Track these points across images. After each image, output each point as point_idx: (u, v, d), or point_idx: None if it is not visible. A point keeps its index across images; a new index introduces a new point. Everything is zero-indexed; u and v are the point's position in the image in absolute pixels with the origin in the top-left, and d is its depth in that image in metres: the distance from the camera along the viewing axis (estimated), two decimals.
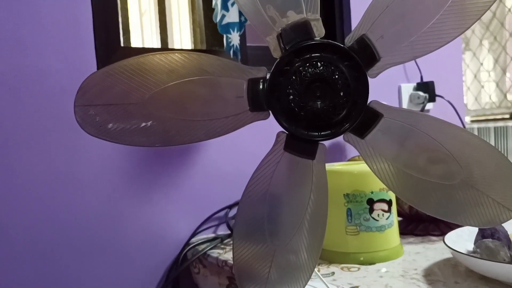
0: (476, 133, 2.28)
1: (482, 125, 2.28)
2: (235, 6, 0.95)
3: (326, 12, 1.23)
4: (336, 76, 0.45)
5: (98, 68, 0.87)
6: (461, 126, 1.29)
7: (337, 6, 1.21)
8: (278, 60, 0.45)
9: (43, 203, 0.81)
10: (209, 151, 0.99)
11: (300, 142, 0.48)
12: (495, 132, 2.23)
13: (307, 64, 0.44)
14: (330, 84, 0.44)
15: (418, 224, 0.90)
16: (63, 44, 0.84)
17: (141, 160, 0.92)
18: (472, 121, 2.35)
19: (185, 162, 0.96)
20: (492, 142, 2.22)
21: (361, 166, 0.78)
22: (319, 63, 0.45)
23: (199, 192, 0.97)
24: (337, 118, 0.44)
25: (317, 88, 0.43)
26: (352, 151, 1.15)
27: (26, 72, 0.80)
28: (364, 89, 0.44)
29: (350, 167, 0.77)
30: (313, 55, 0.45)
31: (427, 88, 1.31)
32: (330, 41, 0.45)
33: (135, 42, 1.14)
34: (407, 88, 1.34)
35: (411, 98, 1.33)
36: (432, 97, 1.31)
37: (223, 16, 0.95)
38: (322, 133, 0.45)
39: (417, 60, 1.33)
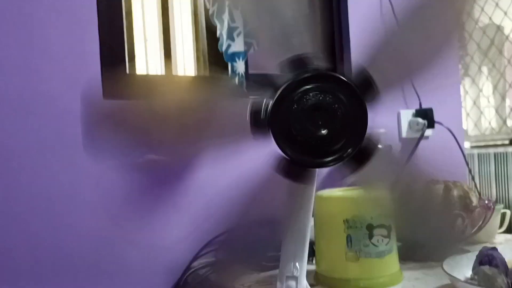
0: (476, 159, 2.28)
1: (483, 150, 2.30)
2: (240, 36, 0.98)
3: (327, 44, 1.26)
4: (336, 106, 0.47)
5: (104, 95, 0.89)
6: (460, 152, 1.31)
7: (337, 39, 1.24)
8: (281, 88, 0.47)
9: (46, 224, 0.82)
10: (209, 175, 1.00)
11: (299, 168, 0.50)
12: (495, 158, 2.25)
13: (309, 94, 0.46)
14: (330, 113, 0.46)
15: (418, 250, 0.90)
16: (70, 70, 0.86)
17: (142, 184, 0.93)
18: (472, 147, 2.37)
19: (186, 186, 0.97)
20: (493, 168, 2.23)
21: (360, 192, 0.79)
22: (320, 93, 0.47)
23: (199, 216, 0.98)
24: (337, 146, 0.46)
25: (318, 116, 0.45)
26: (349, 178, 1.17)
27: (34, 97, 0.83)
28: (363, 118, 0.46)
29: (350, 193, 0.79)
30: (314, 85, 0.47)
31: (426, 114, 1.33)
32: (331, 72, 0.48)
33: (140, 69, 1.17)
34: (406, 115, 1.36)
35: (410, 125, 1.35)
36: (431, 124, 1.33)
37: (228, 46, 0.98)
38: (322, 160, 0.47)
39: (416, 87, 1.36)
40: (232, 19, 0.97)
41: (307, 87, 0.46)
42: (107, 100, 0.90)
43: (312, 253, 0.84)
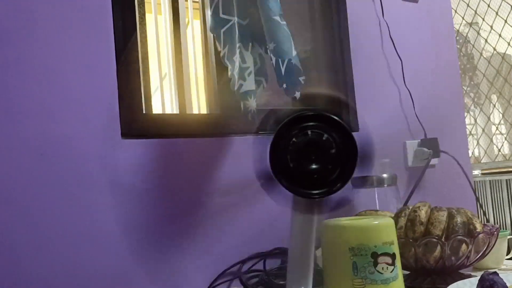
0: (488, 185, 2.30)
1: (495, 177, 2.31)
2: (251, 75, 1.04)
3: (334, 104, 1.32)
4: (329, 144, 0.52)
5: (122, 135, 0.96)
6: (466, 179, 1.34)
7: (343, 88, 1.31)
8: (278, 128, 0.52)
9: (64, 259, 0.87)
10: (222, 206, 1.05)
11: (303, 201, 0.54)
12: (507, 184, 2.26)
13: (305, 131, 0.52)
14: (322, 148, 0.51)
15: (426, 278, 0.93)
16: (88, 112, 0.93)
17: (156, 217, 0.98)
18: (484, 174, 2.38)
19: (199, 217, 1.02)
20: (505, 194, 2.24)
21: (365, 221, 0.83)
22: (310, 131, 0.52)
23: (213, 247, 1.03)
24: (331, 177, 0.51)
25: (312, 152, 0.50)
26: (359, 206, 1.20)
27: (53, 139, 0.89)
28: (354, 151, 0.51)
29: (355, 221, 0.82)
30: (308, 124, 0.52)
31: (431, 144, 1.38)
32: (322, 112, 0.53)
33: (156, 107, 1.24)
34: (412, 145, 1.40)
35: (416, 154, 1.39)
36: (436, 153, 1.37)
37: (240, 85, 1.04)
38: (318, 191, 0.51)
39: (420, 118, 1.41)
40: (243, 60, 1.03)
41: (304, 125, 0.52)
42: (125, 140, 0.97)
43: (321, 282, 0.88)
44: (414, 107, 1.42)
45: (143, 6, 1.17)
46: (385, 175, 1.19)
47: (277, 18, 0.97)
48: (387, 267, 0.78)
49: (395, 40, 1.40)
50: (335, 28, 1.35)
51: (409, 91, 1.41)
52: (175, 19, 1.26)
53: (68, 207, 0.89)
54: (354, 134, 1.28)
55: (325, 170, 0.50)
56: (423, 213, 0.94)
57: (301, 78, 0.96)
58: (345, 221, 0.86)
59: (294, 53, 0.97)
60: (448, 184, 1.43)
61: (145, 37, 1.17)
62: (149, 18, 1.46)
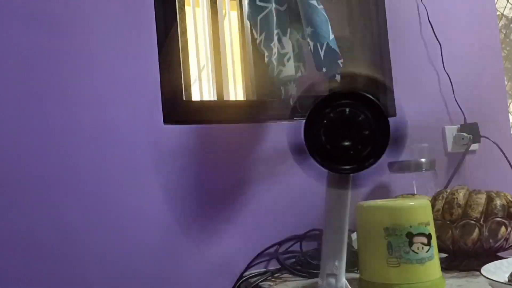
0: None
1: None
2: (291, 61, 1.06)
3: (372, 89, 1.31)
4: (361, 121, 0.54)
5: (164, 121, 1.00)
6: (508, 165, 1.31)
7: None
8: (312, 105, 0.54)
9: (114, 236, 0.92)
10: (259, 189, 1.08)
11: (337, 176, 0.56)
12: None
13: (337, 109, 0.54)
14: (356, 126, 0.53)
15: (463, 260, 0.93)
16: (134, 100, 0.98)
17: (198, 198, 1.02)
18: None
19: (238, 200, 1.06)
20: None
21: (400, 202, 0.84)
22: (347, 108, 0.54)
23: (251, 228, 1.06)
24: (364, 153, 0.52)
25: (345, 129, 0.52)
26: (397, 191, 1.20)
27: (103, 124, 0.94)
28: (386, 134, 0.53)
29: (390, 202, 0.84)
30: (342, 101, 0.54)
31: (471, 129, 1.35)
32: (359, 90, 0.55)
33: (195, 96, 1.27)
34: (451, 130, 1.38)
35: (455, 140, 1.37)
36: (476, 138, 1.34)
37: (280, 71, 1.06)
38: (350, 167, 0.53)
39: (460, 103, 1.39)
40: (282, 46, 1.05)
41: (336, 103, 0.53)
42: (167, 125, 1.01)
43: (356, 264, 0.90)
44: (453, 92, 1.39)
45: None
46: (423, 160, 1.18)
47: (314, 2, 0.98)
48: (422, 247, 0.79)
49: (433, 24, 1.38)
50: (372, 14, 1.34)
51: (448, 75, 1.39)
52: (213, 10, 1.30)
53: (117, 187, 0.94)
54: (391, 119, 1.29)
55: (357, 148, 0.52)
56: (461, 196, 0.93)
57: (339, 61, 0.97)
58: (379, 202, 0.87)
59: (331, 36, 0.98)
60: (489, 170, 1.40)
61: (185, 28, 1.21)
62: (188, 10, 1.50)
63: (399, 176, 1.19)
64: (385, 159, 0.53)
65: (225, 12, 1.49)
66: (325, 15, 0.97)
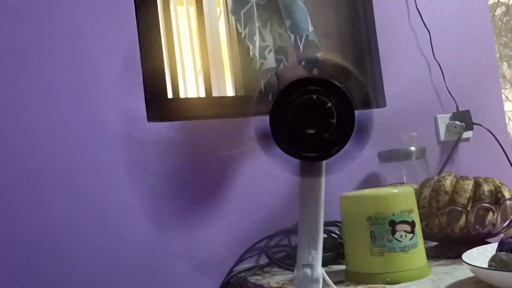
0: None
1: None
2: (271, 53, 1.06)
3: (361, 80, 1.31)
4: (328, 106, 0.53)
5: (148, 118, 1.00)
6: (503, 152, 1.30)
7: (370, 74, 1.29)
8: (281, 88, 0.54)
9: (100, 233, 0.92)
10: (247, 183, 1.08)
11: (305, 164, 0.56)
12: None
13: (304, 96, 0.53)
14: (323, 113, 0.52)
15: (452, 247, 0.92)
16: (118, 97, 0.98)
17: (185, 194, 1.02)
18: None
19: (226, 194, 1.05)
20: None
21: (382, 190, 0.83)
22: (314, 95, 0.53)
23: (240, 223, 1.06)
24: (329, 141, 0.52)
25: (310, 116, 0.52)
26: (387, 180, 1.20)
27: (89, 121, 0.94)
28: (351, 121, 0.52)
29: (372, 191, 0.83)
30: (310, 88, 0.54)
31: (463, 117, 1.34)
32: (324, 77, 0.54)
33: (182, 93, 1.27)
34: (443, 119, 1.37)
35: (448, 128, 1.36)
36: (469, 126, 1.33)
37: (261, 64, 1.06)
38: (315, 154, 0.53)
39: (452, 91, 1.37)
40: (262, 38, 1.05)
41: (304, 89, 0.53)
42: (151, 123, 1.01)
43: (342, 255, 0.89)
44: (444, 80, 1.38)
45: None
46: (413, 148, 1.17)
47: None
48: (405, 235, 0.78)
49: (422, 11, 1.37)
50: (359, 5, 1.33)
51: (438, 63, 1.38)
52: (198, 7, 1.29)
53: (102, 185, 0.93)
54: (381, 109, 1.28)
55: (322, 135, 0.51)
56: (448, 183, 0.92)
57: (318, 54, 0.97)
58: (362, 192, 0.87)
59: (311, 29, 0.98)
60: (483, 157, 1.39)
61: (170, 25, 1.20)
62: (172, 8, 1.49)
63: (389, 166, 1.19)
64: (351, 147, 0.52)
65: (220, 12, 1.48)
66: (304, 7, 0.97)
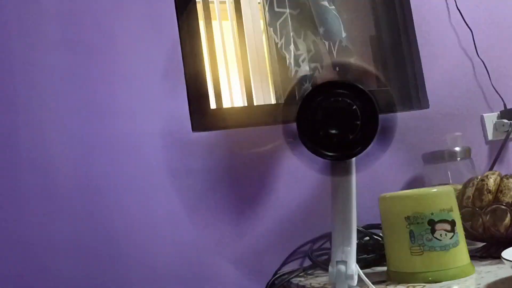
0: None
1: None
2: (305, 62, 1.10)
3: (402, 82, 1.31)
4: (354, 107, 0.55)
5: (192, 128, 1.06)
6: None
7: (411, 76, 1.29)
8: (308, 91, 0.57)
9: (150, 239, 0.98)
10: (291, 187, 1.10)
11: (337, 164, 0.58)
12: None
13: (331, 98, 0.56)
14: (348, 114, 0.55)
15: (499, 247, 0.89)
16: (159, 109, 1.04)
17: (230, 200, 1.06)
18: None
19: (270, 198, 1.09)
20: None
21: (420, 190, 0.83)
22: (339, 98, 0.56)
23: (285, 226, 1.08)
24: (352, 141, 0.54)
25: (334, 117, 0.54)
26: (433, 182, 1.18)
27: (124, 137, 1.00)
28: (375, 118, 0.54)
29: (409, 191, 0.84)
30: (336, 91, 0.56)
31: (511, 115, 1.30)
32: (349, 82, 0.57)
33: (225, 103, 1.32)
34: (490, 118, 1.34)
35: (496, 127, 1.32)
36: None
37: (296, 72, 1.10)
38: (341, 153, 0.55)
39: (498, 89, 1.34)
40: (296, 47, 1.09)
41: (329, 92, 0.56)
42: (195, 132, 1.07)
43: (385, 257, 0.89)
44: (490, 78, 1.35)
45: (209, 12, 1.27)
46: (457, 149, 1.16)
47: (325, 3, 1.01)
48: (445, 234, 0.78)
49: (462, 10, 1.35)
50: (397, 7, 1.33)
51: (482, 61, 1.35)
52: (239, 22, 1.34)
53: (145, 194, 1.00)
54: (425, 110, 1.27)
55: (346, 136, 0.54)
56: (491, 181, 0.90)
57: (352, 59, 0.99)
58: (401, 192, 0.87)
59: (344, 34, 1.00)
60: None
61: (212, 39, 1.26)
62: (214, 24, 1.55)
63: (433, 167, 1.17)
64: (375, 147, 0.55)
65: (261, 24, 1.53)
66: (336, 14, 1.00)
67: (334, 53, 1.00)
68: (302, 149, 0.55)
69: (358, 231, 1.00)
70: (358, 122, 0.54)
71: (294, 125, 0.56)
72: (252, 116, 1.20)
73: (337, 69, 1.00)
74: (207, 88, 1.14)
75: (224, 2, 1.46)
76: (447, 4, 1.36)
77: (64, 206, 0.94)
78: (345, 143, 0.54)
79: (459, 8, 1.35)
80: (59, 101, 0.97)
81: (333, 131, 0.54)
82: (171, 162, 1.02)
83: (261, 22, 1.47)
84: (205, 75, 1.14)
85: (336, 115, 0.55)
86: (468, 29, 1.35)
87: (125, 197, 0.98)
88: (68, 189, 0.95)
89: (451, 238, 0.78)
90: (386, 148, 0.55)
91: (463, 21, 1.35)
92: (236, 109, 1.27)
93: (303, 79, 1.09)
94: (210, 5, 1.31)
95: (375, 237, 1.02)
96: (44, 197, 0.92)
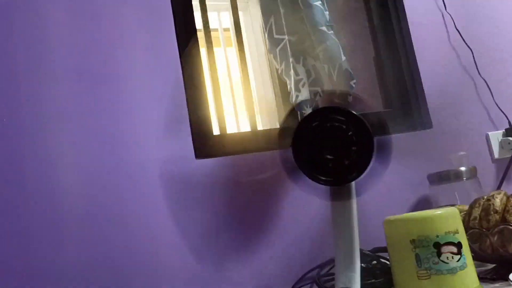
0: None
1: None
2: (305, 86, 1.10)
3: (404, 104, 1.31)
4: (350, 133, 0.56)
5: (196, 156, 1.07)
6: None
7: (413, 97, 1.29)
8: (303, 117, 0.57)
9: (153, 266, 0.98)
10: (297, 212, 1.10)
11: (337, 189, 0.58)
12: None
13: (325, 124, 0.56)
14: (343, 140, 0.55)
15: (509, 269, 0.88)
16: (166, 138, 1.05)
17: (236, 226, 1.06)
18: None
19: (277, 224, 1.08)
20: None
21: (425, 212, 0.82)
22: (335, 123, 0.56)
23: (292, 252, 1.07)
24: (348, 167, 0.54)
25: (329, 143, 0.54)
26: (440, 203, 1.17)
27: (127, 163, 1.00)
28: (370, 146, 0.54)
29: (413, 214, 0.82)
30: (330, 116, 0.57)
31: None
32: (343, 107, 0.57)
33: (229, 128, 1.32)
34: (496, 136, 1.33)
35: (502, 145, 1.31)
36: None
37: (296, 96, 1.11)
38: (336, 179, 0.55)
39: (501, 106, 1.34)
40: (296, 73, 1.10)
41: (324, 117, 0.56)
42: (199, 160, 1.07)
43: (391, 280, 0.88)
44: (493, 96, 1.34)
45: (210, 38, 1.29)
46: (463, 169, 1.15)
47: (324, 28, 1.02)
48: (452, 257, 0.77)
49: (461, 30, 1.36)
50: (396, 30, 1.35)
51: (485, 80, 1.35)
52: (240, 48, 1.36)
53: (155, 223, 1.00)
54: (427, 131, 1.27)
55: (342, 162, 0.54)
56: (497, 201, 0.89)
57: (352, 82, 0.99)
58: (405, 215, 0.86)
59: (343, 58, 1.01)
60: None
61: (214, 66, 1.28)
62: (217, 51, 1.57)
63: (440, 188, 1.16)
64: (372, 170, 0.54)
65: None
66: (335, 39, 1.01)
67: (334, 76, 1.00)
68: (299, 174, 0.55)
69: (365, 254, 1.00)
70: (354, 148, 0.54)
71: (291, 151, 0.56)
72: (256, 141, 1.21)
73: (337, 92, 1.00)
74: (209, 114, 1.15)
75: (228, 30, 1.49)
76: (445, 24, 1.37)
77: (71, 235, 0.94)
78: (341, 168, 0.54)
79: (458, 28, 1.36)
80: (65, 132, 0.98)
81: (329, 157, 0.54)
82: (175, 190, 1.02)
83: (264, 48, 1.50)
84: (207, 101, 1.15)
85: (331, 140, 0.55)
86: (468, 49, 1.36)
87: (130, 227, 0.98)
88: (74, 219, 0.95)
89: (458, 261, 0.76)
90: (384, 170, 0.55)
91: (463, 41, 1.36)
92: (239, 135, 1.27)
93: (303, 103, 1.10)
94: (212, 32, 1.33)
95: (383, 260, 1.01)
96: (50, 227, 0.93)
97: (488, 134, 1.33)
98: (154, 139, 1.04)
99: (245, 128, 1.51)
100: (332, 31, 1.03)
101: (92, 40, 1.04)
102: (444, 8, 1.37)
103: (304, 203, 1.11)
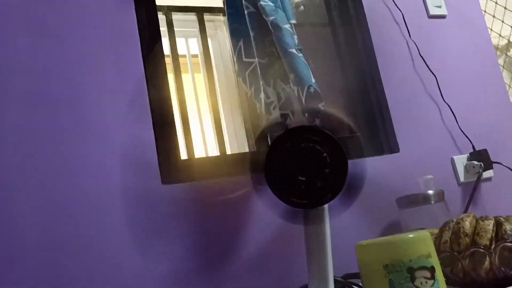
0: None
1: None
2: (276, 109, 1.10)
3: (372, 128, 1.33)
4: (324, 155, 0.54)
5: (162, 181, 1.03)
6: None
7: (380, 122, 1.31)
8: (275, 138, 0.55)
9: None
10: (271, 238, 1.07)
11: (310, 213, 0.56)
12: None
13: (301, 144, 0.54)
14: (316, 161, 0.53)
15: None
16: (132, 164, 1.01)
17: (202, 249, 1.02)
18: None
19: (240, 252, 1.05)
20: None
21: (397, 237, 0.81)
22: (310, 143, 0.54)
23: (257, 281, 1.04)
24: (321, 189, 0.52)
25: (301, 164, 0.53)
26: (408, 227, 1.17)
27: (89, 191, 0.96)
28: (344, 170, 0.53)
29: (386, 238, 0.81)
30: (306, 136, 0.55)
31: (481, 157, 1.32)
32: (316, 126, 0.56)
33: (196, 153, 1.29)
34: (461, 159, 1.35)
35: (467, 169, 1.34)
36: (488, 165, 1.30)
37: (267, 119, 1.10)
38: (310, 201, 0.53)
39: (466, 131, 1.37)
40: (267, 96, 1.09)
41: (297, 137, 0.54)
42: (165, 185, 1.03)
43: None
44: (457, 121, 1.37)
45: (178, 64, 1.27)
46: (430, 192, 1.15)
47: (293, 50, 1.02)
48: (426, 282, 0.75)
49: (425, 57, 1.39)
50: (362, 58, 1.37)
51: (449, 105, 1.38)
52: (209, 75, 1.35)
53: (121, 251, 0.95)
54: (395, 155, 1.27)
55: (314, 184, 0.52)
56: (467, 224, 0.90)
57: (320, 105, 0.99)
58: (377, 239, 0.85)
59: (313, 80, 1.01)
60: (508, 196, 1.35)
61: (182, 92, 1.25)
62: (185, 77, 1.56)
63: (408, 212, 1.16)
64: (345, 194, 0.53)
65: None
66: (305, 61, 1.01)
67: (303, 98, 1.00)
68: (270, 195, 0.53)
69: (336, 281, 0.97)
70: (327, 170, 0.53)
71: (261, 170, 0.54)
72: (225, 165, 1.18)
73: (306, 115, 1.00)
74: (177, 138, 1.12)
75: (196, 56, 1.47)
76: (410, 52, 1.41)
77: (25, 268, 0.88)
78: (313, 190, 0.52)
79: (422, 55, 1.39)
80: (24, 158, 0.93)
81: (302, 178, 0.52)
82: (140, 218, 0.98)
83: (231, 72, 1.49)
84: (174, 125, 1.12)
85: (305, 161, 0.53)
86: (432, 75, 1.39)
87: (92, 258, 0.93)
88: (31, 250, 0.89)
89: (432, 286, 0.75)
90: (356, 195, 0.53)
91: (427, 68, 1.39)
92: (208, 159, 1.24)
93: (274, 126, 1.08)
94: (180, 58, 1.32)
95: (355, 287, 0.99)
96: (4, 259, 0.86)
97: (453, 158, 1.36)
98: (118, 165, 1.00)
99: (214, 152, 1.49)
100: (301, 54, 1.03)
101: (53, 63, 1.00)
102: (408, 35, 1.41)
103: (270, 228, 1.08)
